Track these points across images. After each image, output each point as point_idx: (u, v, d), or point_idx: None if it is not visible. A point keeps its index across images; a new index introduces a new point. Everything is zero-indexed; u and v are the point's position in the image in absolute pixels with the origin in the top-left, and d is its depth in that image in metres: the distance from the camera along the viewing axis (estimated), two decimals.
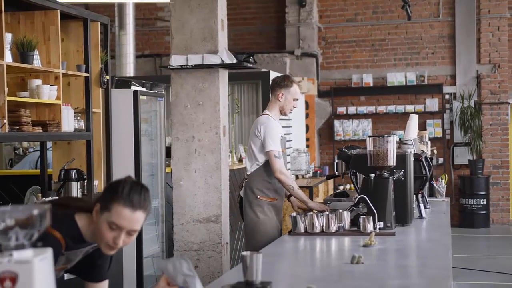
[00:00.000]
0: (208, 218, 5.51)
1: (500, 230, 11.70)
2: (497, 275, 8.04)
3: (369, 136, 4.39)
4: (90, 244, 2.69)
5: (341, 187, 10.07)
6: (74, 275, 2.86)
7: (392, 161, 4.33)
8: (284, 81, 5.03)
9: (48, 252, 1.76)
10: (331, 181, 10.68)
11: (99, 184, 5.69)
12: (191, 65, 5.42)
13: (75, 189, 5.35)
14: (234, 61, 5.43)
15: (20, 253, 1.72)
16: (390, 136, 4.36)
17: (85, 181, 5.48)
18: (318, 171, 10.48)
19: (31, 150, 8.09)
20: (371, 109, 12.33)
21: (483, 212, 11.77)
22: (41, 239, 1.82)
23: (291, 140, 9.97)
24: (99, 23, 5.80)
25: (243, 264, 2.70)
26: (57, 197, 4.85)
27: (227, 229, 5.64)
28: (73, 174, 5.37)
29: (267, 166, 4.92)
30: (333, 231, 4.17)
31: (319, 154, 12.61)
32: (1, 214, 1.72)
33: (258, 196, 4.96)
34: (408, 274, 3.24)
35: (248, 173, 5.03)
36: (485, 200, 11.76)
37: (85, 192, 5.49)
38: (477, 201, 11.74)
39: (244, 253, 2.69)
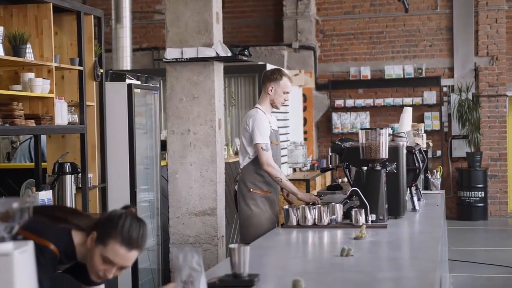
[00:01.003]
0: (204, 211, 5.51)
1: (498, 223, 11.70)
2: (494, 268, 8.05)
3: (361, 129, 4.39)
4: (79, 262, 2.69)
5: (339, 180, 10.07)
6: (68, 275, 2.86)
7: (384, 153, 4.33)
8: (274, 75, 5.01)
9: (29, 245, 1.76)
10: (328, 174, 10.68)
11: (93, 178, 5.70)
12: (186, 58, 5.41)
13: (69, 183, 5.34)
14: (229, 54, 5.41)
15: (0, 246, 1.72)
16: (382, 129, 4.35)
17: (79, 174, 5.48)
18: (316, 164, 10.47)
19: None
20: (369, 102, 12.31)
21: (481, 204, 11.77)
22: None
23: (288, 133, 9.96)
24: (92, 16, 5.79)
25: (231, 257, 2.71)
26: (53, 205, 4.76)
27: (222, 222, 5.64)
28: (67, 168, 5.35)
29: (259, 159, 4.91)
30: (325, 223, 4.17)
31: (317, 147, 12.60)
32: None
33: (251, 189, 4.96)
34: (397, 266, 3.24)
35: (241, 167, 5.03)
36: (483, 192, 11.76)
37: (79, 185, 5.49)
38: (475, 193, 11.74)
39: (231, 246, 2.70)
